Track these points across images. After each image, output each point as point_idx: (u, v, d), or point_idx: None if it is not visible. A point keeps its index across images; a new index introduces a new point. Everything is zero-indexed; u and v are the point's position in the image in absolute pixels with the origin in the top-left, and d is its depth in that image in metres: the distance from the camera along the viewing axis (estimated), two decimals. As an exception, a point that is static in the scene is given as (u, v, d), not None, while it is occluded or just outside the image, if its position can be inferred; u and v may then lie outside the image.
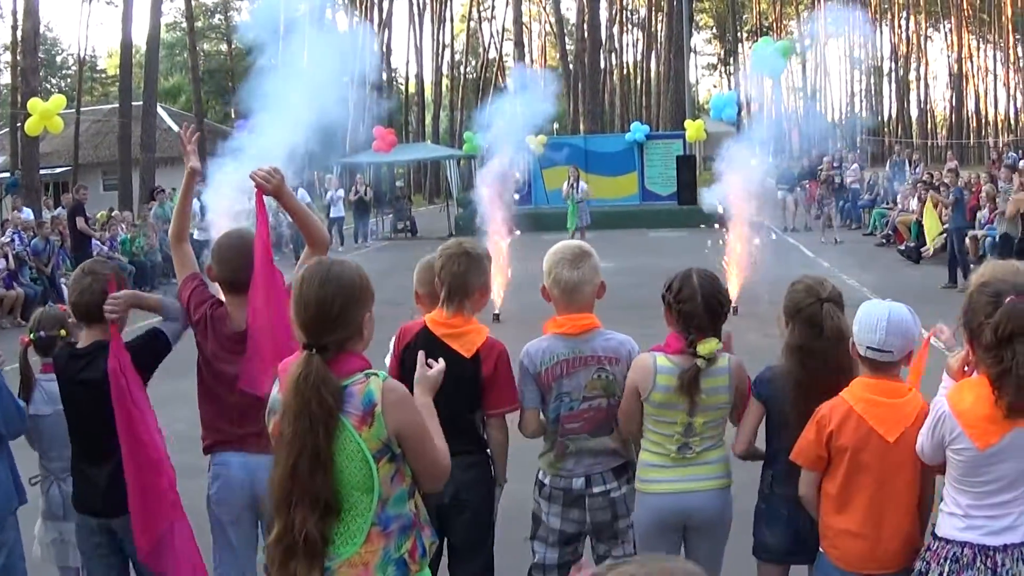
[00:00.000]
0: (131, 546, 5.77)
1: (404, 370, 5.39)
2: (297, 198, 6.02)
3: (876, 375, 4.92)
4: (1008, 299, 4.38)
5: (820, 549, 5.15)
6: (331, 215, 37.36)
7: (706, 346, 5.36)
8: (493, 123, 19.88)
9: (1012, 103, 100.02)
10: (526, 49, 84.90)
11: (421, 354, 4.64)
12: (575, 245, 5.80)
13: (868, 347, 4.88)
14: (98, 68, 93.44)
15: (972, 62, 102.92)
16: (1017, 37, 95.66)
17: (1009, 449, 4.42)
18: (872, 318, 4.88)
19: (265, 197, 5.62)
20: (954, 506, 4.62)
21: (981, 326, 4.45)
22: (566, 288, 5.64)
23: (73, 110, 47.58)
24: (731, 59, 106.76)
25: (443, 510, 5.49)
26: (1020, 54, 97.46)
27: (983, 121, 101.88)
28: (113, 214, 31.00)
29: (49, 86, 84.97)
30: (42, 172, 38.06)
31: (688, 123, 41.73)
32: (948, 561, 4.57)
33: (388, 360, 5.89)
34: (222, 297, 5.99)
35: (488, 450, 5.84)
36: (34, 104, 25.68)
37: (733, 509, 5.70)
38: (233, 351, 5.76)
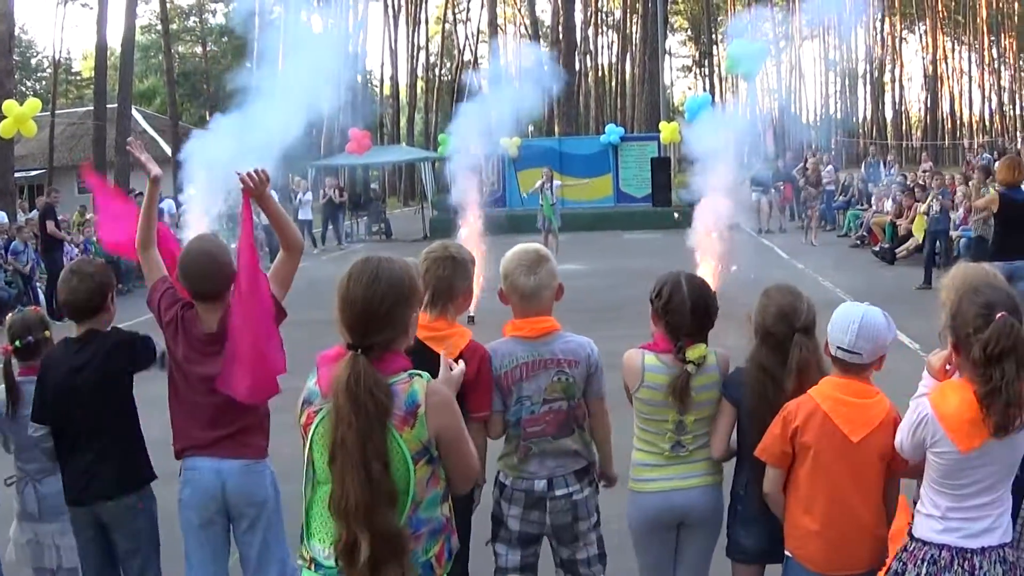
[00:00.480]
0: (119, 536, 6.00)
1: None
2: (276, 201, 6.02)
3: (845, 375, 4.94)
4: (999, 315, 4.36)
5: (787, 551, 5.16)
6: (299, 217, 37.32)
7: (695, 351, 5.38)
8: (465, 124, 19.84)
9: (987, 104, 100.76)
10: (501, 51, 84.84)
11: (443, 355, 4.61)
12: (532, 250, 5.77)
13: (838, 347, 4.90)
14: (73, 71, 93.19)
15: (947, 64, 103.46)
16: (992, 39, 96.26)
17: (990, 453, 4.43)
18: (846, 320, 4.89)
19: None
20: (932, 507, 4.61)
21: (969, 338, 4.44)
22: (524, 295, 5.63)
23: (48, 113, 47.44)
24: (706, 61, 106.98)
25: None
26: (995, 56, 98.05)
27: (958, 123, 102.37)
28: (87, 217, 30.78)
29: (24, 88, 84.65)
30: (17, 175, 37.88)
31: (663, 125, 41.75)
32: (926, 563, 4.57)
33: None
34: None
35: None
36: (9, 107, 25.52)
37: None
38: (204, 352, 5.77)
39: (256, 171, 5.62)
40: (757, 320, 5.36)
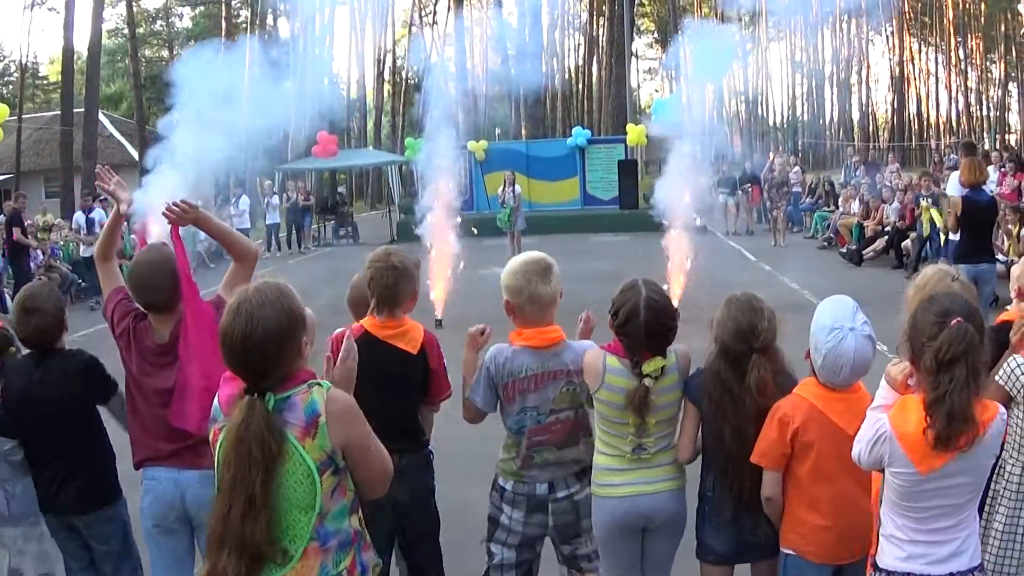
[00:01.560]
0: (92, 541, 6.10)
1: None
2: (215, 220, 6.06)
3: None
4: (954, 321, 4.25)
5: (786, 549, 5.18)
6: (267, 221, 37.28)
7: (651, 365, 5.38)
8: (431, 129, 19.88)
9: (953, 105, 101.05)
10: (468, 54, 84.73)
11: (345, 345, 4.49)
12: (540, 258, 5.78)
13: (829, 381, 4.98)
14: (40, 75, 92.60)
15: (913, 65, 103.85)
16: (958, 39, 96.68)
17: (952, 474, 4.29)
18: (838, 363, 4.94)
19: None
20: (893, 528, 4.47)
21: (924, 347, 4.30)
22: (544, 304, 5.67)
23: (15, 118, 47.18)
24: (672, 64, 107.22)
25: (403, 508, 5.67)
26: (961, 57, 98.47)
27: (925, 124, 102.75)
28: (56, 222, 30.55)
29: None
30: (-17, 178, 37.71)
31: (630, 127, 41.81)
32: None
33: None
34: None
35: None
36: (-23, 114, 25.44)
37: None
38: (156, 364, 5.79)
39: (177, 203, 5.63)
40: (716, 332, 5.38)
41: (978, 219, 14.71)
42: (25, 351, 6.21)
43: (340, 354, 4.39)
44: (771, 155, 40.48)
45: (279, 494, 3.90)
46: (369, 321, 5.82)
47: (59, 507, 6.01)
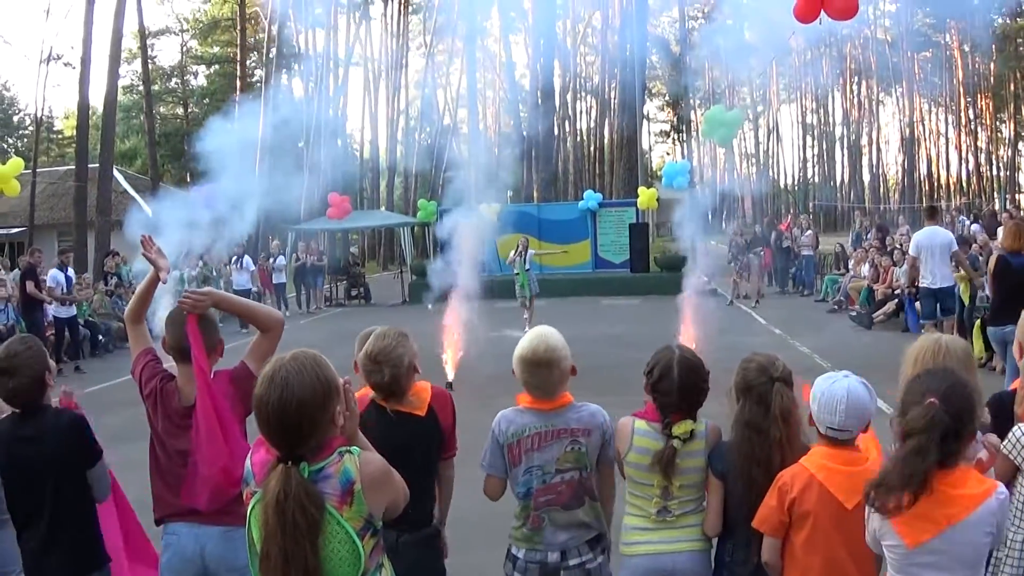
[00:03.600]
0: None
1: None
2: (234, 298, 6.11)
3: (835, 447, 5.00)
4: (928, 400, 4.36)
5: None
6: (274, 281, 37.42)
7: (681, 427, 5.50)
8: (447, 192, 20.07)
9: (964, 166, 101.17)
10: (480, 116, 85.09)
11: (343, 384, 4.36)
12: (536, 347, 5.76)
13: (828, 427, 4.97)
14: (55, 129, 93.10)
15: (924, 125, 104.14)
16: (968, 100, 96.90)
17: (939, 549, 4.34)
18: (832, 401, 4.95)
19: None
20: None
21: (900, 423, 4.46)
22: (549, 389, 5.74)
23: (29, 171, 47.36)
24: (684, 127, 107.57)
25: None
26: (971, 117, 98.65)
27: (935, 184, 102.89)
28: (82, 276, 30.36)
29: (5, 145, 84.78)
30: (-3, 231, 37.82)
31: (641, 191, 41.90)
32: None
33: None
34: (175, 371, 6.01)
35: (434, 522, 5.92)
36: (-8, 166, 25.50)
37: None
38: (181, 426, 5.80)
39: (190, 294, 5.68)
40: (737, 380, 5.46)
41: (1011, 283, 14.75)
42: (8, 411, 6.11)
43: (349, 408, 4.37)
44: (788, 220, 40.53)
45: (327, 565, 3.94)
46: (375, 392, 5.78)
47: (43, 573, 5.83)
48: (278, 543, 3.84)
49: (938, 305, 18.49)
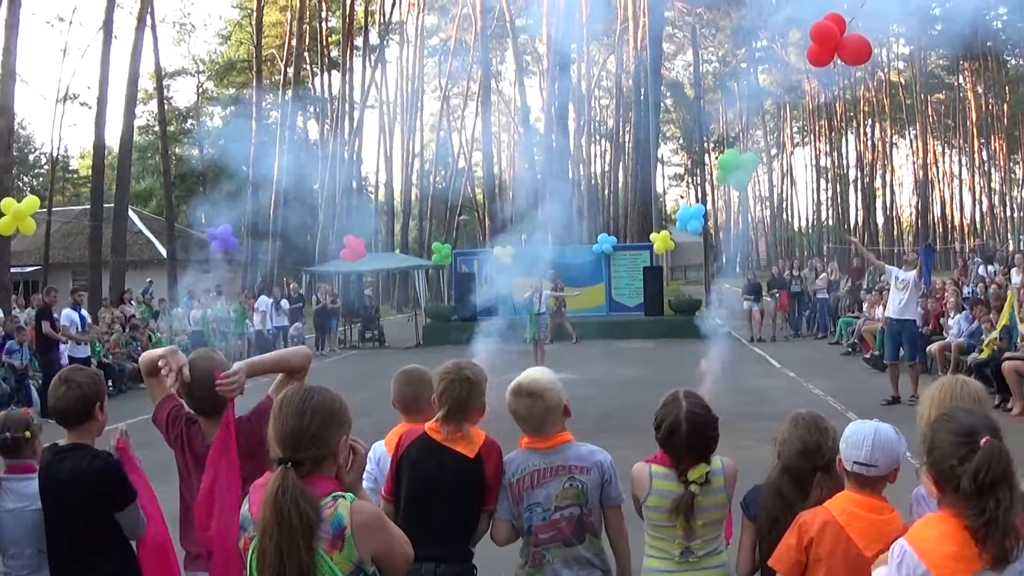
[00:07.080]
0: None
1: (399, 476, 5.69)
2: (264, 358, 6.14)
3: (862, 491, 4.93)
4: (983, 440, 4.10)
5: None
6: (273, 323, 37.49)
7: (696, 472, 5.46)
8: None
9: (977, 207, 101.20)
10: (495, 159, 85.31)
11: (351, 442, 4.42)
12: (522, 380, 5.82)
13: (855, 462, 4.90)
14: (70, 168, 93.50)
15: (937, 167, 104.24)
16: (981, 141, 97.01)
17: None
18: (859, 435, 4.91)
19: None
20: None
21: (954, 469, 4.12)
22: (538, 426, 5.74)
23: (44, 210, 47.53)
24: (697, 170, 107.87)
25: None
26: (985, 158, 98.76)
27: (949, 226, 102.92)
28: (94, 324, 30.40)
29: (21, 184, 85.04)
30: (12, 270, 37.89)
31: (654, 235, 41.97)
32: None
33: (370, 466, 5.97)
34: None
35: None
36: (7, 204, 25.45)
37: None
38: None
39: (225, 382, 5.59)
40: (779, 450, 5.44)
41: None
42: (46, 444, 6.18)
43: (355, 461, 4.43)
44: (808, 263, 40.51)
45: None
46: (431, 426, 5.81)
47: None
48: (274, 540, 3.94)
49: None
